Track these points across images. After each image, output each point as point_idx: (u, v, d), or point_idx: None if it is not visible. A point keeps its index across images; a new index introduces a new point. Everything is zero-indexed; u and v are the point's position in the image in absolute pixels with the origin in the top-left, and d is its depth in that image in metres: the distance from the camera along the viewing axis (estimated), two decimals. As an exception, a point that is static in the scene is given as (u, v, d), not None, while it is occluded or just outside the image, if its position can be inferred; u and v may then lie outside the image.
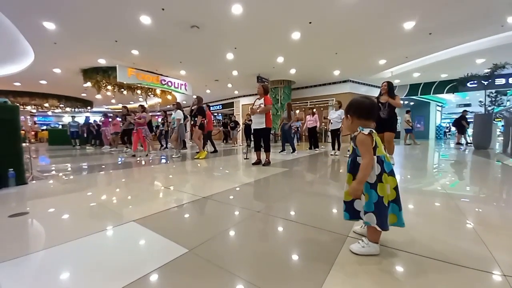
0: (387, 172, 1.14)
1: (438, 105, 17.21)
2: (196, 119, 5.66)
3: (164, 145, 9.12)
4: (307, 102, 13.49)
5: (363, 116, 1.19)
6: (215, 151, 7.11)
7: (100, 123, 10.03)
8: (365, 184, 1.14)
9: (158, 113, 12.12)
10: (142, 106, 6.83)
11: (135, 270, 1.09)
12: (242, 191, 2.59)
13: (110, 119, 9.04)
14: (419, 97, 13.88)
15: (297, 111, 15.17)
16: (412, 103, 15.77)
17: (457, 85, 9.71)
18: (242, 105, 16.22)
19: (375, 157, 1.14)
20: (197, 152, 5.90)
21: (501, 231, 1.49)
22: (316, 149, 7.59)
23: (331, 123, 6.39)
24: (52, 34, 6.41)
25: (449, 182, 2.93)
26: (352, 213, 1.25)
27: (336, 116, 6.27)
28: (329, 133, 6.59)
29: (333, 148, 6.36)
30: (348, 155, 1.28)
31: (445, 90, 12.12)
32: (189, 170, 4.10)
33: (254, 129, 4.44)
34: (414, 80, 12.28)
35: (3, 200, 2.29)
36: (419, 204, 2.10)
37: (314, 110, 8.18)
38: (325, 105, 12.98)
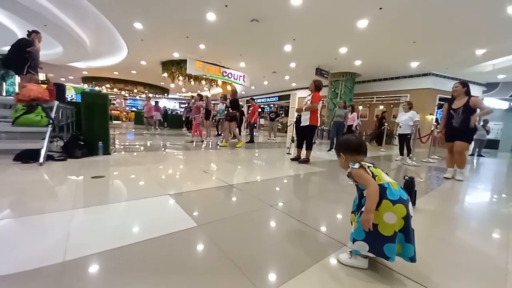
0: (393, 200, 1.06)
1: None
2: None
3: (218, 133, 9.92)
4: (373, 98, 12.15)
5: (353, 152, 1.23)
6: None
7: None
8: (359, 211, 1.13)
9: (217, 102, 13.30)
10: (199, 94, 7.59)
11: (152, 231, 1.39)
12: (265, 184, 2.71)
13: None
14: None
15: (360, 107, 13.90)
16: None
17: None
18: (299, 97, 15.88)
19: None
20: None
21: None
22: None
23: (400, 126, 5.72)
24: (140, 33, 7.75)
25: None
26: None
27: (405, 119, 5.57)
28: (396, 137, 5.86)
29: (401, 154, 5.73)
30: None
31: None
32: (227, 159, 4.46)
33: (299, 126, 4.40)
34: (526, 75, 9.45)
35: (92, 165, 3.06)
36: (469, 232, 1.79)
37: (359, 107, 7.46)
38: (396, 102, 11.40)
